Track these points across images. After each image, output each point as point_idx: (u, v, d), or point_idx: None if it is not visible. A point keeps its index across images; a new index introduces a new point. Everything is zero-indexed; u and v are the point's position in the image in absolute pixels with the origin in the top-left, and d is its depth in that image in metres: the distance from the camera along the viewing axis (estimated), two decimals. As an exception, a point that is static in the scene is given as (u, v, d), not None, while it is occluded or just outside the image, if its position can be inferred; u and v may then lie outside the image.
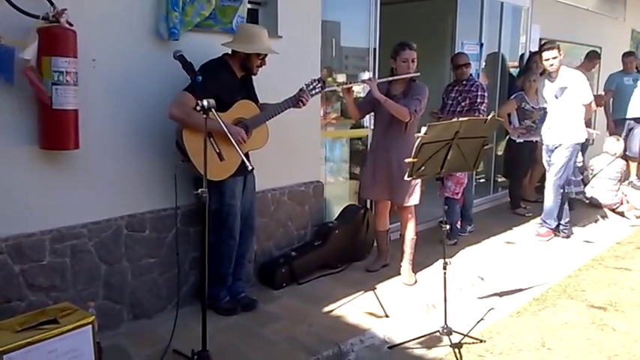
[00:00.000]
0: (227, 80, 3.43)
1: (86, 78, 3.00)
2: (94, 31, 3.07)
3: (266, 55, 3.50)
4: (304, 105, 3.66)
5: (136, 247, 3.39)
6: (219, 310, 3.56)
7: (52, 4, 2.83)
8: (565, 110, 5.25)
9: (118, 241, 3.31)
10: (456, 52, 5.89)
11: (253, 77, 3.62)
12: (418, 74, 4.06)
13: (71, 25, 2.88)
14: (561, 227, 5.54)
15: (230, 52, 3.48)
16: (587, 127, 5.45)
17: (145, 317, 3.47)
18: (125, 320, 3.39)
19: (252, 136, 3.49)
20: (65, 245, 3.08)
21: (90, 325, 2.52)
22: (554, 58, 4.98)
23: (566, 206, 5.50)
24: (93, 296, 3.17)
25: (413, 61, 4.03)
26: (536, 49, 6.27)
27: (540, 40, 6.92)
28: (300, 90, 3.63)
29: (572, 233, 5.58)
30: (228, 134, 2.83)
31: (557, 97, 5.28)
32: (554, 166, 5.35)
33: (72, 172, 3.09)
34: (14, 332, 2.36)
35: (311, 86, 3.70)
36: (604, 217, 6.41)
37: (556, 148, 5.32)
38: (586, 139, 5.60)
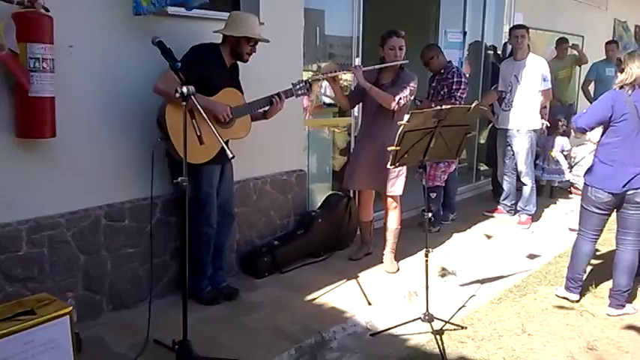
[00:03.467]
0: (216, 66, 3.40)
1: (63, 64, 2.94)
2: (71, 16, 3.00)
3: (257, 42, 3.48)
4: (275, 105, 3.57)
5: (115, 237, 3.35)
6: (200, 300, 3.54)
7: (26, -12, 2.76)
8: (523, 94, 5.38)
9: (97, 231, 3.26)
10: (439, 40, 5.89)
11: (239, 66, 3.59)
12: (406, 62, 4.04)
13: (47, 10, 2.82)
14: (508, 208, 5.77)
15: (220, 41, 3.46)
16: (541, 115, 5.55)
17: (125, 308, 3.44)
18: (105, 311, 3.36)
19: (235, 125, 3.46)
20: (42, 235, 3.03)
21: (67, 316, 2.49)
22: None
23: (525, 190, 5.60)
24: (71, 287, 3.14)
25: (400, 49, 4.01)
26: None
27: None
28: (277, 94, 3.57)
29: (515, 212, 5.74)
30: (206, 116, 2.77)
31: (518, 81, 5.39)
32: (519, 155, 5.48)
33: (49, 161, 3.03)
34: (-10, 323, 2.32)
35: (298, 86, 3.67)
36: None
37: (514, 135, 5.46)
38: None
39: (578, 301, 3.83)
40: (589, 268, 4.10)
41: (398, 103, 3.90)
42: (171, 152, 3.26)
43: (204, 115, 2.77)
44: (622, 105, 3.44)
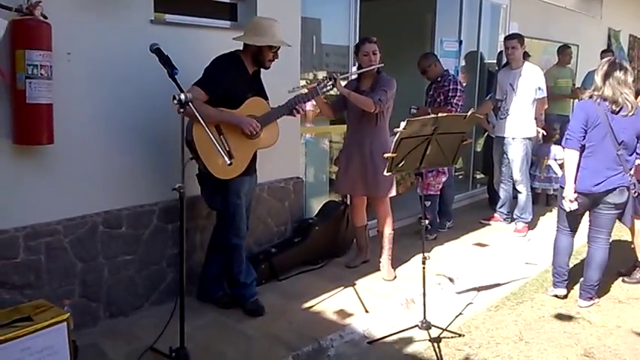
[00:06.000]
0: (238, 76, 3.36)
1: (61, 71, 2.95)
2: (69, 23, 3.01)
3: (278, 48, 3.44)
4: (298, 113, 3.61)
5: (113, 244, 3.35)
6: (248, 312, 3.53)
7: (25, -4, 2.78)
8: (519, 103, 5.40)
9: (94, 238, 3.26)
10: (435, 48, 5.93)
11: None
12: (381, 65, 4.07)
13: (46, 17, 2.83)
14: (504, 216, 5.81)
15: (242, 48, 3.43)
16: (537, 123, 5.58)
17: (122, 315, 3.43)
18: (102, 318, 3.35)
19: (263, 134, 3.42)
20: (40, 242, 3.02)
21: (65, 323, 2.49)
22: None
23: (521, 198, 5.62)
24: (68, 294, 3.12)
25: (374, 54, 4.02)
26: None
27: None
28: (294, 98, 3.55)
29: (512, 220, 5.77)
30: (208, 132, 2.76)
31: (513, 89, 5.41)
32: (514, 162, 5.50)
33: (46, 167, 3.03)
34: (-14, 330, 2.32)
35: (322, 84, 3.69)
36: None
37: (509, 143, 5.47)
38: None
39: (565, 297, 3.97)
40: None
41: (378, 105, 3.92)
42: (202, 170, 3.27)
43: (205, 128, 2.75)
44: (594, 113, 3.62)
